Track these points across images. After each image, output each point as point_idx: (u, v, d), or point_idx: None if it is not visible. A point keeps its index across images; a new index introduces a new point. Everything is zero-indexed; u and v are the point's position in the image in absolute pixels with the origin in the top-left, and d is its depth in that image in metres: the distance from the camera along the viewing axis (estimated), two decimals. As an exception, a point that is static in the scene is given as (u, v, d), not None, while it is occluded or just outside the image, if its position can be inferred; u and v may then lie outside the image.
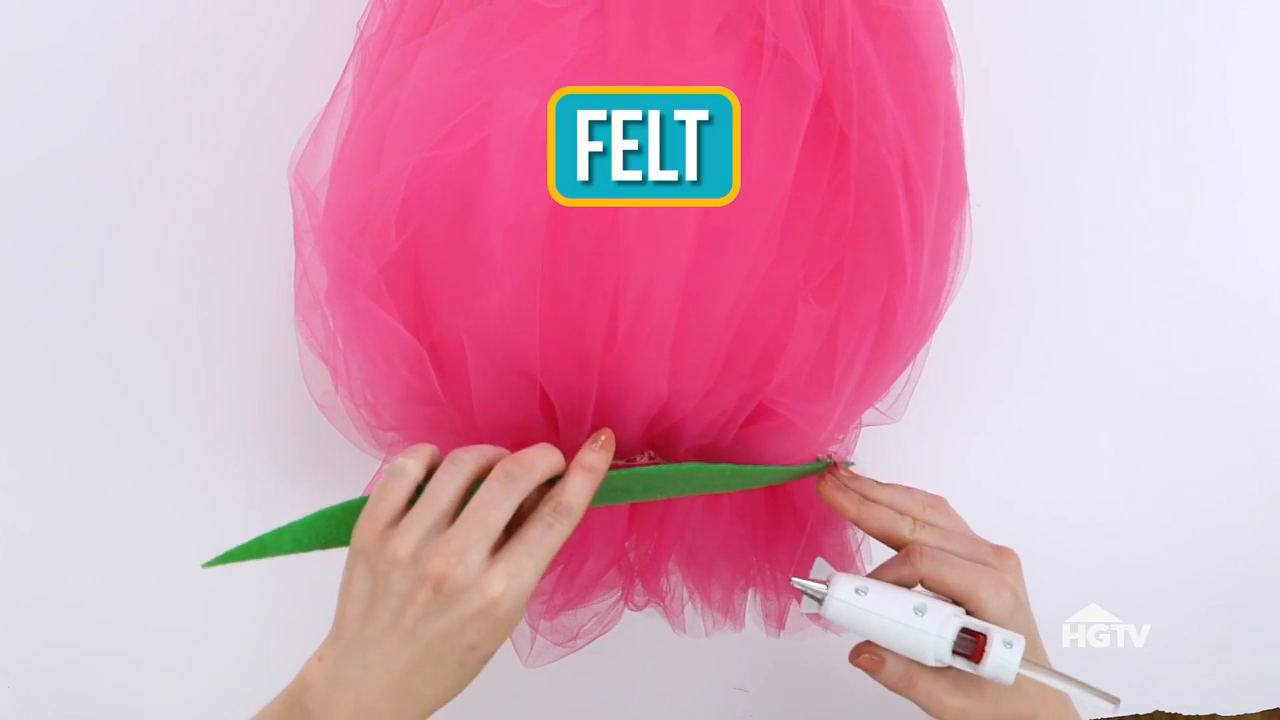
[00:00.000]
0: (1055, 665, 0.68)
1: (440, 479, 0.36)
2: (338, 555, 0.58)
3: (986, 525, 0.64)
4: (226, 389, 0.58)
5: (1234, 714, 0.69)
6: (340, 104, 0.42)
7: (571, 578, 0.46)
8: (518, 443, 0.38)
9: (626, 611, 0.63)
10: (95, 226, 0.55)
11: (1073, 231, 0.60)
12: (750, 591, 0.49)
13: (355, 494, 0.43)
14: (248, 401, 0.58)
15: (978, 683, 0.40)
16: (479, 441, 0.38)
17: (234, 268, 0.56)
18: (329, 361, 0.43)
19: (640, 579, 0.47)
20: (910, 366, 0.46)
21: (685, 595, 0.49)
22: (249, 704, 0.63)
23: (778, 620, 0.49)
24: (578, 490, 0.37)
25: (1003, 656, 0.39)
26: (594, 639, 0.48)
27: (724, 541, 0.47)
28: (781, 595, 0.49)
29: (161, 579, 0.60)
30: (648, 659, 0.66)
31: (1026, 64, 0.58)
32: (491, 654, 0.37)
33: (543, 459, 0.36)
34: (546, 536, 0.36)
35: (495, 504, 0.35)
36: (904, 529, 0.41)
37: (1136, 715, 0.69)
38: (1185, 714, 0.69)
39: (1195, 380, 0.63)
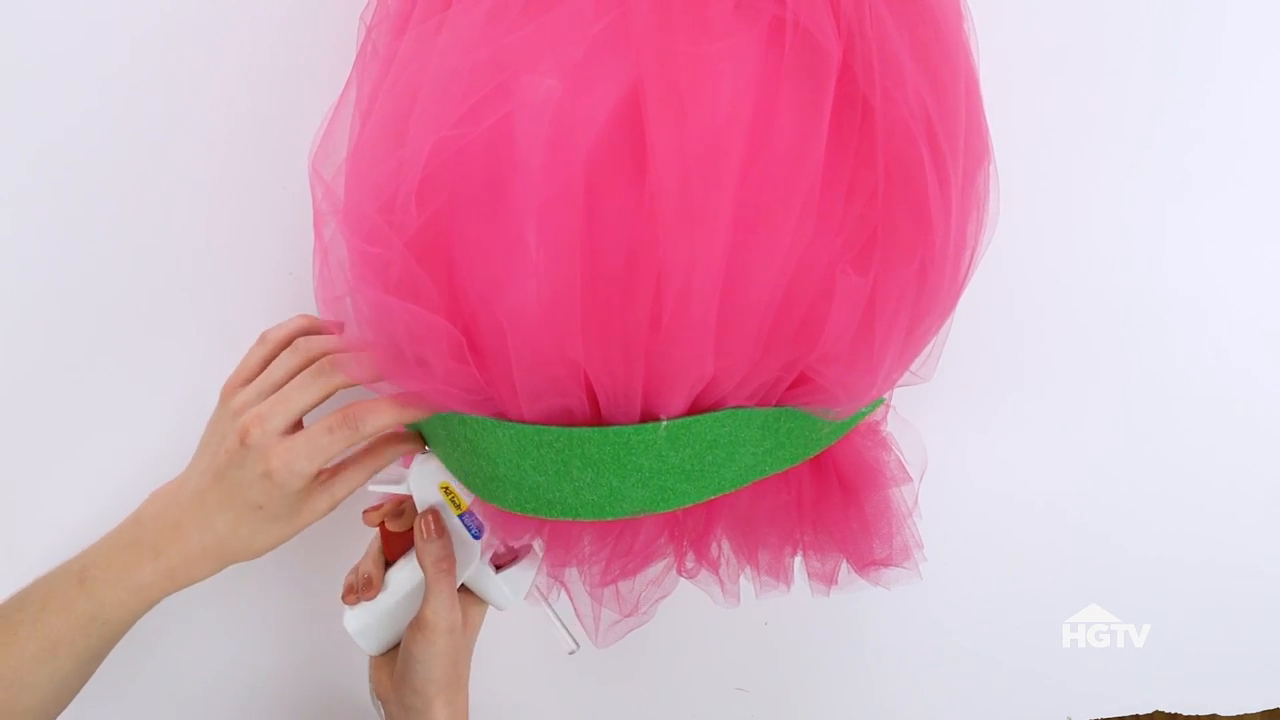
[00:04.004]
0: (1055, 666, 0.69)
1: (281, 357, 0.44)
2: (334, 563, 0.58)
3: (986, 524, 0.64)
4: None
5: (1234, 714, 0.69)
6: (353, 93, 0.42)
7: (629, 546, 0.45)
8: (562, 421, 0.40)
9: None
10: (98, 224, 0.54)
11: (1072, 228, 0.60)
12: (798, 555, 0.49)
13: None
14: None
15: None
16: (519, 415, 0.40)
17: (236, 265, 0.56)
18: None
19: (691, 547, 0.47)
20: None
21: (736, 562, 0.49)
22: (248, 702, 0.63)
23: (827, 579, 0.49)
24: (377, 415, 0.42)
25: None
26: (654, 605, 0.49)
27: (771, 508, 0.47)
28: (828, 556, 0.49)
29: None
30: (648, 659, 0.66)
31: (1022, 65, 0.58)
32: (277, 519, 0.43)
33: (355, 370, 0.42)
34: (324, 439, 0.41)
35: (302, 389, 0.42)
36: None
37: (1136, 715, 0.69)
38: (1185, 714, 0.69)
39: (1195, 379, 0.63)
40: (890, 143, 0.36)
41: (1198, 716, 0.69)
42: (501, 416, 0.40)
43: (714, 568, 0.48)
